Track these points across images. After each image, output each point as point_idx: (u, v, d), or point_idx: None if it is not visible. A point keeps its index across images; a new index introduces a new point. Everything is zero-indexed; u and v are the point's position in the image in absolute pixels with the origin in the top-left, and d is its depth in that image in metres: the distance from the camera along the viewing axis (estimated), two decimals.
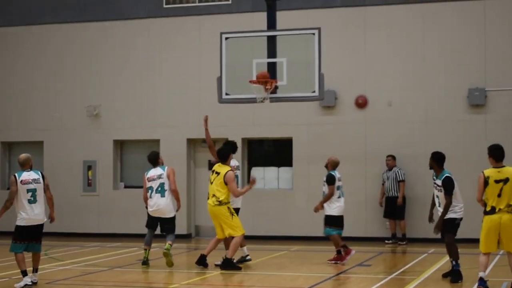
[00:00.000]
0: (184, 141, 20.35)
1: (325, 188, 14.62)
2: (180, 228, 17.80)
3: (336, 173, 14.77)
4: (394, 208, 18.48)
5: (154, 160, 14.78)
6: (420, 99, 18.96)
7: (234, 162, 14.66)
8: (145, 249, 14.60)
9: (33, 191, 11.76)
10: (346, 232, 18.73)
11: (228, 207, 13.77)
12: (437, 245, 16.23)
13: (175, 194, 14.54)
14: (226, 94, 15.02)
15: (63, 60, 21.44)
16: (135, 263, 14.99)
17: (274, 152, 20.51)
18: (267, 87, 14.55)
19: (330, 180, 14.57)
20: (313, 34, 14.62)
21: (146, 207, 14.78)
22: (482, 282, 10.91)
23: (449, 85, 18.77)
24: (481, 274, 10.96)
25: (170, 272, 13.98)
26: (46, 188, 12.02)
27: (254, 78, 14.60)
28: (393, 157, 18.63)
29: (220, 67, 15.05)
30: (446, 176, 12.19)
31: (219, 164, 14.05)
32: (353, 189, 19.14)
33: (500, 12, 18.65)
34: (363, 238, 18.91)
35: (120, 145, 21.36)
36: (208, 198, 13.97)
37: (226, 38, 15.08)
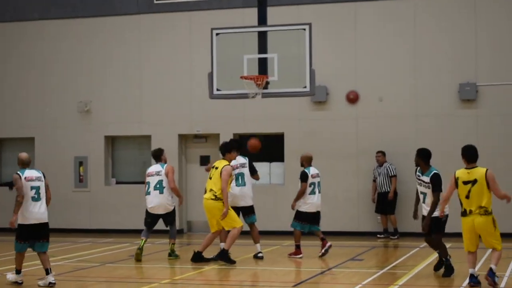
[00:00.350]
0: (175, 137, 20.34)
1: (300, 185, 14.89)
2: None
3: (311, 170, 14.95)
4: (385, 203, 18.51)
5: (156, 156, 15.00)
6: (411, 94, 19.00)
7: (240, 159, 14.62)
8: (142, 239, 14.75)
9: (37, 188, 11.52)
10: (338, 227, 18.96)
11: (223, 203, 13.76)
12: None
13: (175, 192, 14.67)
14: (217, 89, 15.01)
15: (54, 56, 21.38)
16: (127, 258, 14.99)
17: (265, 147, 20.48)
18: (258, 82, 14.57)
19: (302, 177, 14.83)
20: (304, 29, 14.63)
21: None
22: (473, 278, 10.96)
23: (440, 80, 18.80)
24: (471, 271, 11.02)
25: (163, 268, 13.99)
26: (47, 188, 11.86)
27: (245, 74, 14.62)
28: (383, 153, 18.65)
29: (211, 63, 15.03)
30: (434, 173, 12.17)
31: (220, 159, 14.11)
32: (345, 184, 19.20)
33: (491, 7, 18.68)
34: (355, 232, 18.97)
35: (112, 141, 21.34)
36: (205, 193, 13.99)
37: (217, 34, 15.07)
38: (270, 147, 20.24)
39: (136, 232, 19.17)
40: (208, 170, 14.47)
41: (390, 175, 18.47)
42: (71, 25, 21.32)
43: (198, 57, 19.69)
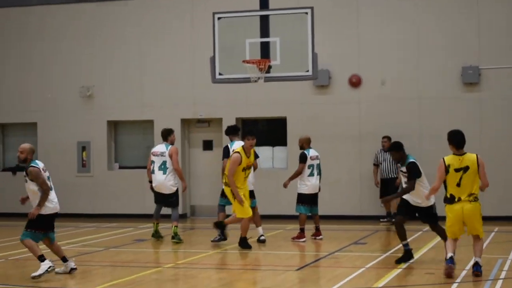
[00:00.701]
0: (178, 121, 20.31)
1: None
2: None
3: (310, 151, 15.12)
4: (390, 189, 18.37)
5: (164, 135, 15.14)
6: (413, 78, 18.96)
7: (239, 143, 14.41)
8: (154, 223, 15.21)
9: (49, 178, 11.30)
10: (341, 211, 18.98)
11: (231, 190, 13.74)
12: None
13: (178, 173, 14.80)
14: (220, 74, 15.02)
15: (57, 42, 21.35)
16: (131, 243, 15.04)
17: (268, 131, 20.51)
18: (260, 66, 14.56)
19: (301, 158, 15.04)
20: (306, 13, 14.60)
21: (150, 181, 15.09)
22: (450, 260, 10.54)
23: (442, 64, 18.76)
24: (449, 255, 10.59)
25: (166, 252, 14.03)
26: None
27: (248, 58, 14.61)
28: (389, 138, 18.39)
29: (213, 47, 15.03)
30: (411, 161, 11.77)
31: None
32: (347, 168, 19.20)
33: None
34: (358, 216, 18.99)
35: (114, 126, 21.34)
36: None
37: (219, 18, 15.04)
38: (272, 131, 20.25)
39: (139, 217, 19.23)
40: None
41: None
42: (74, 11, 21.26)
43: (200, 41, 19.65)
